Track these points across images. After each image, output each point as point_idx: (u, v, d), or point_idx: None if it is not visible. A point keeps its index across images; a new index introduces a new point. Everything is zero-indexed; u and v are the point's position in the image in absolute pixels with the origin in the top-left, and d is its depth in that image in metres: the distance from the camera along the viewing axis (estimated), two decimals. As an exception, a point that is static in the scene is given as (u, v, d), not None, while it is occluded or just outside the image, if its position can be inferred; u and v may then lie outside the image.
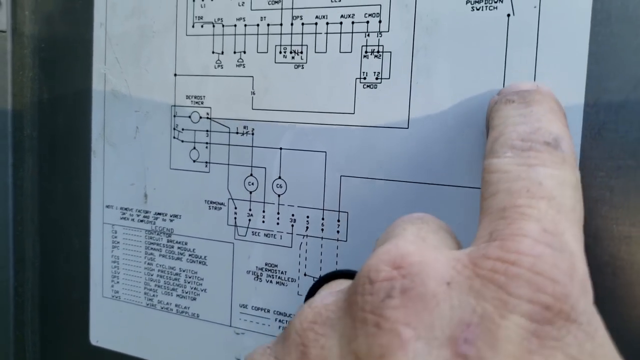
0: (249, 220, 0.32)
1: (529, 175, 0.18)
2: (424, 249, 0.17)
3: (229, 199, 0.33)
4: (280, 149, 0.31)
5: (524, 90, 0.23)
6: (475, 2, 0.26)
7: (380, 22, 0.28)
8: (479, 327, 0.14)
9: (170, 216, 0.34)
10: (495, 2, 0.26)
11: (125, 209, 0.36)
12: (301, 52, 0.30)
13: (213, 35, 0.32)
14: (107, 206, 0.37)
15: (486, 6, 0.26)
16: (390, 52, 0.28)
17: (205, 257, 0.34)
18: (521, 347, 0.14)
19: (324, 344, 0.17)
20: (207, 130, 0.33)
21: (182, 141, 0.34)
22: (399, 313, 0.15)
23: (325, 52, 0.30)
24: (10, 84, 0.39)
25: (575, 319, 0.14)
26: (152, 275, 0.35)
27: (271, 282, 0.32)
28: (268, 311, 0.32)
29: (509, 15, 0.26)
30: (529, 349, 0.14)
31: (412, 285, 0.16)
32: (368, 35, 0.29)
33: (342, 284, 0.22)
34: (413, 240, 0.18)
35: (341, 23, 0.29)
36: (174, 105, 0.34)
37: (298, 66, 0.30)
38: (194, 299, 0.34)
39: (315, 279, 0.30)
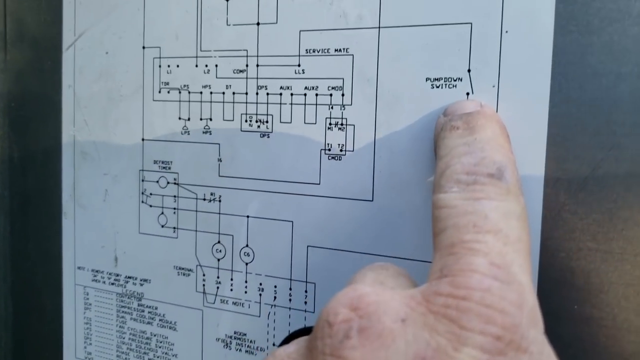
0: (217, 287, 0.32)
1: (475, 209, 0.18)
2: (381, 290, 0.18)
3: (197, 265, 0.32)
4: (248, 217, 0.31)
5: (468, 113, 0.23)
6: (435, 79, 0.26)
7: (343, 95, 0.28)
8: None
9: (141, 280, 0.34)
10: (455, 81, 0.26)
11: (97, 271, 0.36)
12: (267, 122, 0.30)
13: (179, 101, 0.32)
14: (79, 267, 0.36)
15: (445, 84, 0.26)
16: (354, 125, 0.28)
17: (175, 322, 0.33)
18: None
19: None
20: (174, 196, 0.33)
21: (151, 206, 0.34)
22: (357, 352, 0.16)
23: (291, 123, 0.30)
24: (-20, 142, 0.39)
25: (526, 348, 0.15)
26: (124, 338, 0.35)
27: (240, 350, 0.32)
28: (238, 378, 0.32)
29: (468, 93, 0.26)
30: None
31: (368, 325, 0.16)
32: (332, 107, 0.29)
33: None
34: (371, 284, 0.19)
35: (305, 95, 0.29)
36: (142, 170, 0.34)
37: (264, 135, 0.30)
38: (166, 363, 0.34)
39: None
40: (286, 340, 0.28)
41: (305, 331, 0.28)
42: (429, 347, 0.15)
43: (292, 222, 0.30)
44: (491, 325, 0.15)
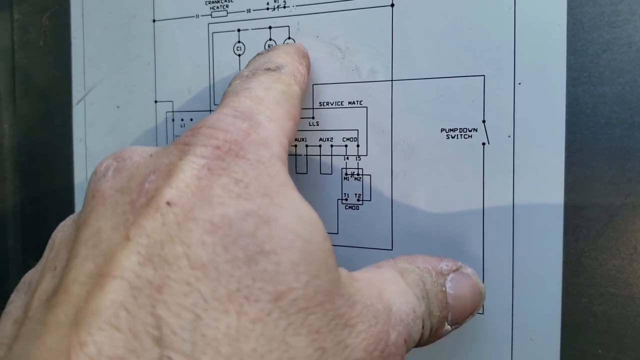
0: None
1: (243, 86, 0.23)
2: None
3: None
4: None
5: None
6: (450, 130, 0.27)
7: (358, 146, 0.29)
8: (162, 171, 0.18)
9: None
10: (470, 131, 0.26)
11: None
12: (282, 173, 0.30)
13: (193, 154, 0.32)
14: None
15: (461, 134, 0.27)
16: (370, 175, 0.29)
17: None
18: (192, 176, 0.17)
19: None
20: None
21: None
22: (108, 183, 0.19)
23: (306, 173, 0.30)
24: (-9, 196, 0.39)
25: (243, 155, 0.18)
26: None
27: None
28: None
29: (484, 143, 0.26)
30: (198, 176, 0.17)
31: (122, 164, 0.20)
32: (347, 158, 0.29)
33: None
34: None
35: (320, 146, 0.30)
36: (158, 222, 0.34)
37: (279, 186, 0.30)
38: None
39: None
40: None
41: None
42: (162, 164, 0.18)
43: (312, 271, 0.30)
44: (213, 139, 0.18)
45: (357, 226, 0.29)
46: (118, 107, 0.35)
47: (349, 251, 0.29)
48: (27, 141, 0.38)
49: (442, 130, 0.27)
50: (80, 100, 0.36)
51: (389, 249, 0.28)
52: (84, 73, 0.35)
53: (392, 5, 0.28)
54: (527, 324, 0.26)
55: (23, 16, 0.38)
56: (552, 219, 0.25)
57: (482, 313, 0.27)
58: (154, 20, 0.33)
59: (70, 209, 0.37)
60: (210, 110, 0.32)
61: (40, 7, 0.37)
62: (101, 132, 0.35)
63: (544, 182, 0.25)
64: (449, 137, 0.27)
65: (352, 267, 0.28)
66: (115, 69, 0.34)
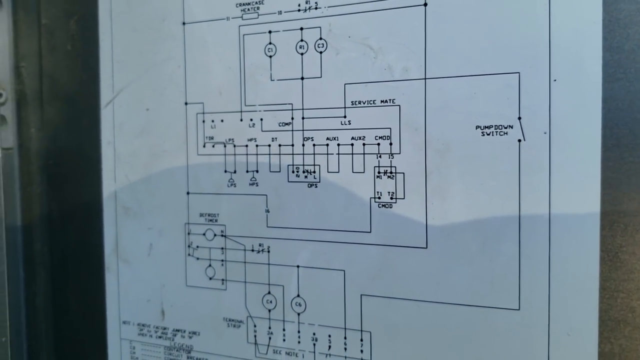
0: (269, 338, 0.32)
1: None
2: None
3: (247, 316, 0.33)
4: (298, 266, 0.31)
5: None
6: (485, 127, 0.27)
7: (391, 144, 0.29)
8: None
9: (189, 333, 0.34)
10: (505, 128, 0.27)
11: (143, 325, 0.36)
12: (314, 172, 0.31)
13: (225, 154, 0.33)
14: (124, 322, 0.37)
15: (496, 131, 0.27)
16: (404, 173, 0.29)
17: (227, 374, 0.34)
18: None
19: None
20: (222, 248, 0.33)
21: (198, 258, 0.34)
22: None
23: (338, 172, 0.30)
24: (19, 199, 0.39)
25: None
26: (172, 391, 0.35)
27: (296, 400, 0.32)
28: None
29: (519, 140, 0.26)
30: None
31: None
32: (380, 156, 0.29)
33: None
34: None
35: (352, 144, 0.30)
36: (188, 223, 0.34)
37: (311, 185, 0.31)
38: (217, 416, 0.34)
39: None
40: None
41: None
42: None
43: (344, 270, 0.30)
44: None
45: (390, 224, 0.29)
46: (147, 109, 0.35)
47: (383, 250, 0.29)
48: (54, 145, 0.39)
49: (477, 127, 0.27)
50: (109, 103, 0.36)
51: (423, 247, 0.28)
52: (113, 76, 0.36)
53: (425, 4, 0.28)
54: (564, 320, 0.26)
55: (50, 21, 0.38)
56: (589, 214, 0.25)
57: (518, 309, 0.27)
58: (183, 23, 0.33)
59: (97, 213, 0.37)
60: (241, 112, 0.32)
61: (67, 12, 0.38)
62: (130, 134, 0.35)
63: (581, 178, 0.25)
64: (484, 135, 0.27)
65: (386, 265, 0.28)
66: (144, 71, 0.35)
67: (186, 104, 0.34)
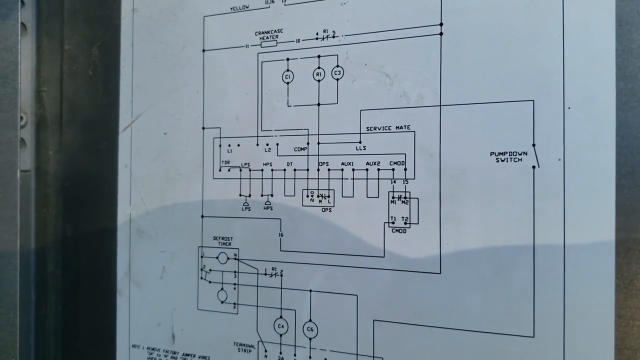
0: (281, 363, 0.32)
1: None
2: None
3: (258, 341, 0.33)
4: (310, 291, 0.31)
5: None
6: (500, 154, 0.27)
7: (405, 170, 0.29)
8: None
9: (199, 357, 0.34)
10: (520, 154, 0.27)
11: (153, 349, 0.36)
12: (328, 196, 0.31)
13: (240, 178, 0.33)
14: (134, 346, 0.36)
15: (511, 158, 0.27)
16: (418, 198, 0.29)
17: (236, 400, 0.33)
18: None
19: None
20: (235, 271, 0.33)
21: (210, 282, 0.34)
22: None
23: (353, 197, 0.30)
24: (33, 221, 0.39)
25: None
26: (180, 418, 0.35)
27: None
28: None
29: (534, 167, 0.27)
30: None
31: None
32: (394, 181, 0.29)
33: None
34: None
35: (367, 170, 0.30)
36: (202, 246, 0.34)
37: (326, 209, 0.31)
38: None
39: None
40: None
41: None
42: None
43: (357, 295, 0.30)
44: None
45: (404, 249, 0.29)
46: (165, 133, 0.35)
47: (396, 275, 0.29)
48: (71, 168, 0.39)
49: (491, 153, 0.27)
50: (127, 127, 0.37)
51: (437, 273, 0.28)
52: (132, 101, 0.36)
53: (441, 34, 0.29)
54: (580, 348, 0.26)
55: (73, 47, 0.39)
56: (604, 241, 0.25)
57: (533, 336, 0.26)
58: (203, 50, 0.34)
59: (112, 235, 0.37)
60: (258, 136, 0.33)
61: (90, 38, 0.39)
62: (147, 158, 0.36)
63: (595, 205, 0.25)
64: (498, 161, 0.27)
65: (399, 290, 0.28)
66: (163, 96, 0.35)
67: (203, 128, 0.34)
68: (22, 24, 0.39)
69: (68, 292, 0.39)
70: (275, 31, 0.32)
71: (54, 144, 0.40)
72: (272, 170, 0.32)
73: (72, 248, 0.39)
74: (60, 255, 0.39)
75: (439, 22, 0.29)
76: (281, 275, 0.32)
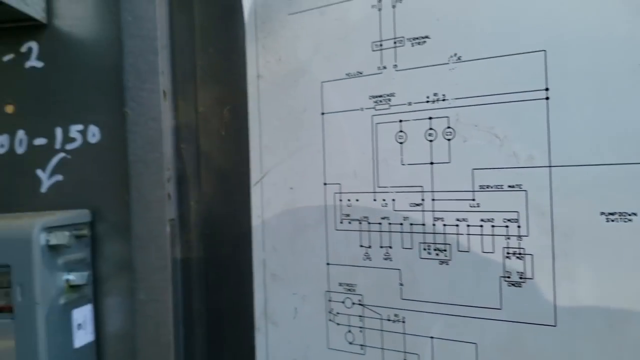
0: (407, 402, 0.35)
1: None
2: None
3: (385, 380, 0.35)
4: (432, 337, 0.34)
5: None
6: (610, 214, 0.28)
7: (519, 227, 0.31)
8: None
9: (331, 392, 0.38)
10: (630, 215, 0.28)
11: (289, 381, 0.40)
12: (445, 250, 0.33)
13: (360, 231, 0.36)
14: (272, 378, 0.41)
15: (620, 218, 0.28)
16: (532, 254, 0.30)
17: None
18: None
19: None
20: (360, 316, 0.36)
21: (338, 324, 0.37)
22: None
23: (469, 251, 0.32)
24: (180, 264, 0.45)
25: None
26: None
27: None
28: None
29: (647, 228, 0.27)
30: None
31: None
32: (509, 238, 0.31)
33: None
34: None
35: (481, 226, 0.32)
36: (328, 291, 0.38)
37: (443, 262, 0.33)
38: None
39: None
40: None
41: None
42: None
43: (476, 344, 0.32)
44: None
45: (520, 302, 0.31)
46: (291, 188, 0.39)
47: (513, 326, 0.31)
48: (210, 217, 0.44)
49: (601, 213, 0.28)
50: (258, 182, 0.41)
51: (552, 325, 0.30)
52: (261, 159, 0.41)
53: (547, 98, 0.30)
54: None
55: (206, 109, 0.44)
56: None
57: (654, 392, 0.27)
58: (322, 113, 0.38)
59: (248, 278, 0.42)
60: (375, 192, 0.35)
61: (221, 102, 0.43)
62: (277, 209, 0.40)
63: None
64: (608, 221, 0.28)
65: (517, 341, 0.30)
66: (288, 155, 0.39)
67: (325, 184, 0.38)
68: (163, 91, 0.44)
69: (213, 328, 0.44)
70: (387, 95, 0.35)
71: (194, 195, 0.45)
72: (389, 224, 0.35)
73: (215, 289, 0.44)
74: (204, 294, 0.45)
75: (545, 87, 0.30)
76: (403, 322, 0.35)
